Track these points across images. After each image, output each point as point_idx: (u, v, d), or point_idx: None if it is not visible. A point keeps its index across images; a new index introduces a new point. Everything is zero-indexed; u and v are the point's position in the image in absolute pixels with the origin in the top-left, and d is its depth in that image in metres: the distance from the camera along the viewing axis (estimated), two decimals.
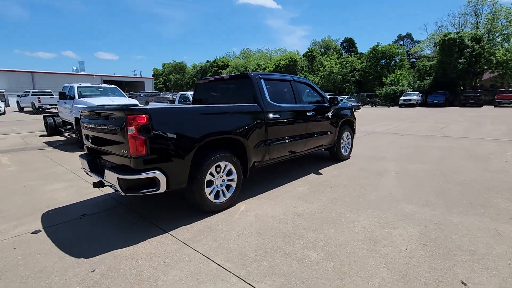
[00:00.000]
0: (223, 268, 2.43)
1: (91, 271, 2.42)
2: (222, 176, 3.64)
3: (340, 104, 5.98)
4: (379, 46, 41.12)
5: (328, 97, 5.55)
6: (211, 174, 3.49)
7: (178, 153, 3.12)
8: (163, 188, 3.05)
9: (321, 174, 5.22)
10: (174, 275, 2.34)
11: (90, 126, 3.67)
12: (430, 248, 2.65)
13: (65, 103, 9.32)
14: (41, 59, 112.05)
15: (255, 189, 4.40)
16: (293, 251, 2.66)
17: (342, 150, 6.20)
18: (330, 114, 5.65)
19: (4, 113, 21.45)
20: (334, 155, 6.14)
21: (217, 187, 3.60)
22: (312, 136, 5.17)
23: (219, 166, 3.57)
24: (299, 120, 4.87)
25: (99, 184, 3.37)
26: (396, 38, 62.41)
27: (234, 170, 3.75)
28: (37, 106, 20.81)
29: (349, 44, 58.71)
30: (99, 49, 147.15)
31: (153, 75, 77.92)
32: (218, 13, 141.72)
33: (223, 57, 63.25)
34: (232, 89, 4.92)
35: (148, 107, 3.05)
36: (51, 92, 24.00)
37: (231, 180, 3.75)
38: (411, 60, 49.70)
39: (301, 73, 42.81)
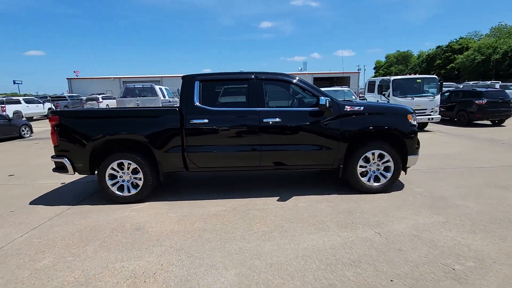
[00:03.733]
0: None
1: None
2: (128, 173, 4.03)
3: (352, 107, 3.99)
4: None
5: (323, 99, 3.85)
6: (113, 169, 4.00)
7: (77, 147, 3.95)
8: (71, 171, 4.03)
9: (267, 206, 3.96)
10: None
11: None
12: None
13: None
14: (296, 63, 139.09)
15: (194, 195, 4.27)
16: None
17: (365, 178, 4.10)
18: (325, 121, 3.97)
19: None
20: (347, 181, 4.22)
21: (123, 182, 4.05)
22: (277, 149, 4.00)
23: (122, 163, 4.00)
24: (245, 128, 3.98)
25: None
26: None
27: (139, 170, 4.00)
28: None
29: None
30: (337, 48, 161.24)
31: (374, 68, 75.34)
32: None
33: (462, 38, 49.68)
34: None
35: (64, 110, 4.09)
36: None
37: (138, 178, 4.03)
38: None
39: None
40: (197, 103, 3.99)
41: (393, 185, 4.19)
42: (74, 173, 4.07)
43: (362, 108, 4.07)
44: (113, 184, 4.04)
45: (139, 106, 10.96)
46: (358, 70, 56.08)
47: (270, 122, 3.94)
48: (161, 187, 4.52)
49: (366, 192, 4.13)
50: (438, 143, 7.80)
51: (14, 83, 38.91)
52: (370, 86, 12.73)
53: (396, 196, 4.00)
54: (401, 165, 4.11)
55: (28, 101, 18.70)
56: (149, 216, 3.59)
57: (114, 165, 3.99)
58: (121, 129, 3.96)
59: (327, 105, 3.75)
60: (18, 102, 18.00)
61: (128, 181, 4.05)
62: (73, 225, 3.38)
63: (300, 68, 54.88)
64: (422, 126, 10.24)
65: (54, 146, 4.05)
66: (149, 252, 2.73)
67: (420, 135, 4.55)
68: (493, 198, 3.81)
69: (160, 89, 12.67)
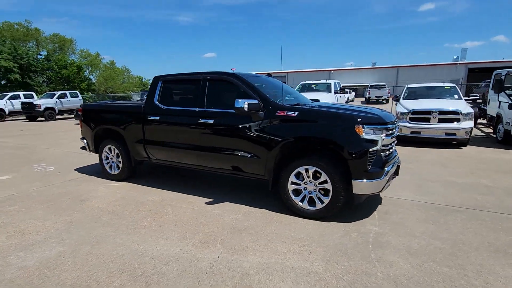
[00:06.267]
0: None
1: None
2: (113, 156, 5.02)
3: (284, 112, 3.37)
4: None
5: (241, 102, 3.35)
6: (106, 151, 5.08)
7: (88, 132, 5.23)
8: (88, 150, 5.42)
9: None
10: None
11: None
12: None
13: None
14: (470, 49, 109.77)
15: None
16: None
17: (298, 198, 3.43)
18: (254, 126, 3.57)
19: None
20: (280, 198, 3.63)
21: (112, 162, 5.09)
22: (212, 151, 3.95)
23: (110, 148, 5.02)
24: (186, 127, 4.11)
25: None
26: None
27: (120, 155, 4.91)
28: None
29: None
30: None
31: None
32: None
33: None
34: None
35: (84, 104, 5.44)
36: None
37: (119, 162, 4.96)
38: None
39: None
40: (156, 102, 4.45)
41: (339, 214, 3.29)
42: (90, 152, 5.43)
43: (296, 113, 3.38)
44: (107, 164, 5.14)
45: None
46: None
47: (205, 123, 3.92)
48: (158, 174, 5.31)
49: (299, 215, 3.45)
50: None
51: None
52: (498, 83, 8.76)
53: (326, 232, 3.15)
54: (344, 191, 3.17)
55: None
56: (104, 193, 4.41)
57: (106, 148, 5.06)
58: (108, 121, 4.96)
59: (245, 108, 3.36)
60: None
61: (114, 162, 5.05)
62: (57, 187, 4.64)
63: (455, 57, 44.27)
64: None
65: (81, 130, 5.54)
66: (59, 216, 3.50)
67: None
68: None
69: None
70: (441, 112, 7.50)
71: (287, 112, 3.42)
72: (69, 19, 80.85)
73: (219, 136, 3.88)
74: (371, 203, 3.82)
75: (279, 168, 3.51)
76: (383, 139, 3.18)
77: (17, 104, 19.58)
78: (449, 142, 7.71)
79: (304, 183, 3.38)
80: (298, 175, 3.40)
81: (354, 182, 3.11)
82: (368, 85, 28.97)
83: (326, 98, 9.78)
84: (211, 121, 3.87)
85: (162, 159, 4.53)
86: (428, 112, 7.60)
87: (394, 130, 3.53)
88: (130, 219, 3.45)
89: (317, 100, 9.58)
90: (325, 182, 3.24)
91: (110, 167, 5.10)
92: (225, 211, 3.64)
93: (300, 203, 3.42)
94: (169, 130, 4.31)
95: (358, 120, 3.10)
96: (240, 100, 3.38)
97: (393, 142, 3.63)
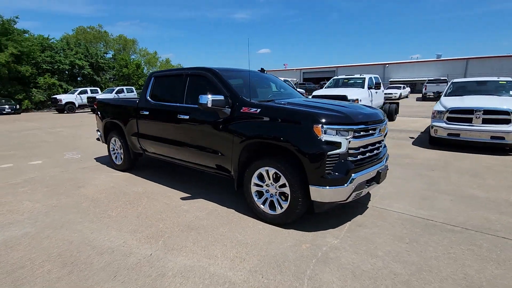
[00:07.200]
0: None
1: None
2: (118, 147, 5.37)
3: (248, 109, 3.18)
4: None
5: (204, 97, 3.23)
6: (112, 143, 5.47)
7: (100, 124, 5.68)
8: (101, 140, 5.90)
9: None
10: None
11: None
12: None
13: None
14: None
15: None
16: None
17: (260, 200, 3.22)
18: (221, 123, 3.45)
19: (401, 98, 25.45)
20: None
21: (117, 153, 5.45)
22: (190, 147, 3.95)
23: (115, 140, 5.38)
24: (168, 123, 4.17)
25: None
26: None
27: (122, 146, 5.24)
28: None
29: None
30: None
31: None
32: None
33: None
34: None
35: (99, 98, 5.89)
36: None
37: (121, 153, 5.30)
38: None
39: None
40: (147, 97, 4.61)
41: (307, 221, 3.00)
42: (102, 142, 5.91)
43: (258, 110, 3.16)
44: (113, 154, 5.53)
45: None
46: None
47: (182, 119, 3.93)
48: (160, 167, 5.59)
49: (261, 218, 3.25)
50: None
51: None
52: None
53: (277, 239, 2.91)
54: (303, 197, 2.87)
55: None
56: (102, 181, 4.75)
57: (112, 140, 5.44)
58: (113, 115, 5.31)
59: (209, 104, 3.26)
60: None
61: (118, 153, 5.40)
62: (69, 173, 5.14)
63: None
64: None
65: (96, 123, 6.05)
66: (50, 200, 3.89)
67: None
68: None
69: None
70: (487, 112, 6.32)
71: (250, 109, 3.22)
72: (139, 22, 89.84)
73: (193, 132, 3.86)
74: (351, 211, 3.41)
75: (245, 167, 3.35)
76: (349, 141, 2.78)
77: (84, 99, 22.42)
78: (497, 148, 6.47)
79: (266, 185, 3.17)
80: (261, 177, 3.19)
81: (311, 188, 2.79)
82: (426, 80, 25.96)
83: (355, 95, 9.04)
84: (187, 117, 3.87)
85: (152, 152, 4.70)
86: (470, 111, 6.46)
87: (374, 131, 3.07)
88: (103, 208, 3.66)
89: (344, 97, 8.99)
90: (284, 185, 2.98)
91: (116, 157, 5.48)
92: (192, 208, 3.61)
93: (262, 206, 3.22)
94: (155, 125, 4.44)
95: (318, 118, 2.76)
96: (204, 96, 3.29)
97: (377, 144, 3.17)
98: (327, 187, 2.74)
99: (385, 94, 28.06)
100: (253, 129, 3.16)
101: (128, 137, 4.96)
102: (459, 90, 8.12)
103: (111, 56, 34.52)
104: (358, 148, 2.90)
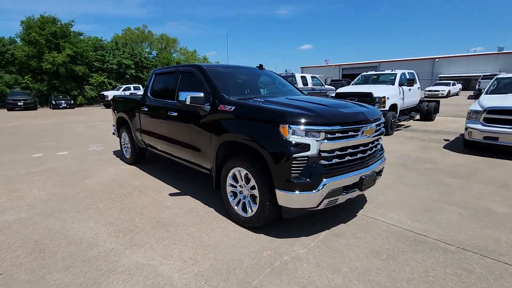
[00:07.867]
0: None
1: None
2: (127, 141, 5.63)
3: (224, 107, 3.08)
4: None
5: (184, 94, 3.24)
6: (123, 137, 5.74)
7: (114, 119, 6.00)
8: (115, 134, 6.25)
9: None
10: None
11: None
12: None
13: None
14: None
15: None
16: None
17: (235, 201, 3.12)
18: (202, 121, 3.40)
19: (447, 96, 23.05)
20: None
21: (126, 147, 5.72)
22: (178, 144, 3.98)
23: (124, 134, 5.65)
24: (162, 119, 4.24)
25: None
26: None
27: (129, 140, 5.48)
28: None
29: None
30: None
31: None
32: None
33: None
34: None
35: (114, 95, 6.19)
36: None
37: (129, 147, 5.54)
38: None
39: None
40: (148, 94, 4.74)
41: (281, 226, 2.83)
42: (117, 137, 6.24)
43: (232, 108, 3.03)
44: (124, 148, 5.82)
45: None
46: None
47: (171, 115, 3.96)
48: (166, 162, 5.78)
49: (234, 219, 3.14)
50: None
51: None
52: None
53: (240, 244, 2.78)
54: (271, 201, 2.70)
55: None
56: (108, 173, 5.02)
57: (123, 135, 5.72)
58: (122, 110, 5.56)
59: (187, 101, 3.22)
60: None
61: (128, 147, 5.66)
62: (84, 165, 5.51)
63: None
64: None
65: (112, 118, 6.41)
66: (55, 189, 4.20)
67: None
68: None
69: (303, 77, 12.95)
70: None
71: (225, 107, 3.11)
72: (186, 21, 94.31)
73: (180, 128, 3.87)
74: (334, 219, 3.14)
75: (222, 167, 3.26)
76: (321, 143, 2.53)
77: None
78: None
79: (240, 186, 3.04)
80: (235, 177, 3.08)
81: (277, 192, 2.61)
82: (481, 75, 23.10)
83: (381, 92, 8.34)
84: (176, 114, 3.88)
85: (152, 147, 4.83)
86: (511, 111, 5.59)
87: (355, 132, 2.77)
88: (95, 199, 3.84)
89: (369, 94, 8.37)
90: (254, 187, 2.84)
91: (126, 151, 5.75)
92: (175, 204, 3.63)
93: (236, 207, 3.10)
94: (152, 121, 4.54)
95: (285, 118, 2.56)
96: (183, 93, 3.27)
97: (361, 147, 2.85)
98: (296, 191, 2.54)
99: (430, 91, 25.62)
100: (227, 127, 3.05)
101: (133, 132, 5.16)
102: (504, 87, 7.08)
103: (154, 55, 36.59)
104: (332, 151, 2.63)
